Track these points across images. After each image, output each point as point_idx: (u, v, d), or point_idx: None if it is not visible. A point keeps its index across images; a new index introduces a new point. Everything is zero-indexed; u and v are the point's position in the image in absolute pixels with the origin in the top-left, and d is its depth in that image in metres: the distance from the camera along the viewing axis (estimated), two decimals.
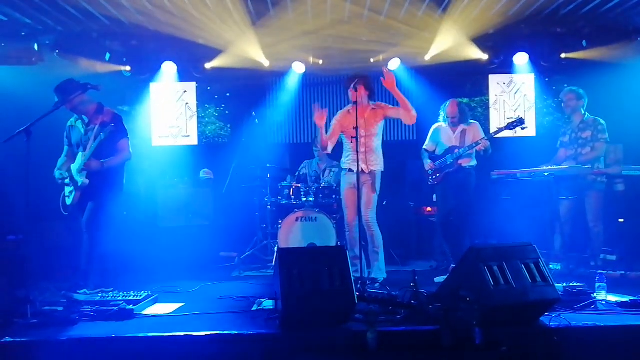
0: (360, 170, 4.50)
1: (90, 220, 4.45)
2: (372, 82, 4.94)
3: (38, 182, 4.11)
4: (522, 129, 5.21)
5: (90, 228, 4.45)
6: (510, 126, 5.14)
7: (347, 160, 4.95)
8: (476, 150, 5.22)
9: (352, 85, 4.61)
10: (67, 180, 4.52)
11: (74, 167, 4.49)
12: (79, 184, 4.42)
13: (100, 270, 4.50)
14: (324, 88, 7.33)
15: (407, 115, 4.76)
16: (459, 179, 5.27)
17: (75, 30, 5.91)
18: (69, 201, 4.53)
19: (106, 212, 4.53)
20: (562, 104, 5.36)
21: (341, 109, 5.14)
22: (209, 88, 7.01)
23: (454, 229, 5.28)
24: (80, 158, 4.44)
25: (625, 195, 5.16)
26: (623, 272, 4.68)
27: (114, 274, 4.63)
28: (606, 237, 5.18)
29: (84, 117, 4.55)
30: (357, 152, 4.40)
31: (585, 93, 5.24)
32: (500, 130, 5.23)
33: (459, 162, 5.25)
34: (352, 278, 3.35)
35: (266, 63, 6.55)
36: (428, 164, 5.48)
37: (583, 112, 5.24)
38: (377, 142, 4.89)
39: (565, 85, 5.62)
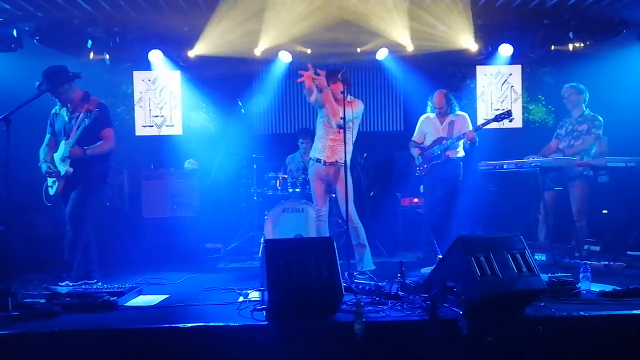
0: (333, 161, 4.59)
1: (74, 210, 4.37)
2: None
3: (19, 172, 4.02)
4: (510, 121, 5.24)
5: (73, 218, 4.37)
6: (498, 118, 5.17)
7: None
8: (463, 142, 5.26)
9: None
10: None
11: (57, 155, 4.40)
12: (62, 173, 4.34)
13: (83, 262, 4.43)
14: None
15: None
16: (446, 170, 5.30)
17: (56, 16, 5.77)
18: (51, 191, 4.45)
19: (90, 203, 4.47)
20: (564, 100, 5.40)
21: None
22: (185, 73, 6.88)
23: (441, 220, 5.30)
24: (63, 146, 4.35)
25: (609, 187, 5.21)
26: (607, 263, 4.73)
27: (97, 265, 4.55)
28: (590, 228, 5.25)
29: (68, 104, 4.46)
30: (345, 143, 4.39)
31: (585, 88, 5.28)
32: (487, 122, 5.27)
33: (447, 153, 5.28)
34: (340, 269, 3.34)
35: (255, 51, 6.48)
36: (416, 150, 5.48)
37: (584, 108, 5.30)
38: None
39: (544, 73, 5.64)
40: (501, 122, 5.26)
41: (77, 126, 4.30)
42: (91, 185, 4.46)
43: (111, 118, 4.57)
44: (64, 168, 4.33)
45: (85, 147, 4.33)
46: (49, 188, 4.47)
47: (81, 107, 4.41)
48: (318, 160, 4.81)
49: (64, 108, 4.49)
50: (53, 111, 4.58)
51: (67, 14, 5.76)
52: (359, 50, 6.61)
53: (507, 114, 5.14)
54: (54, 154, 4.44)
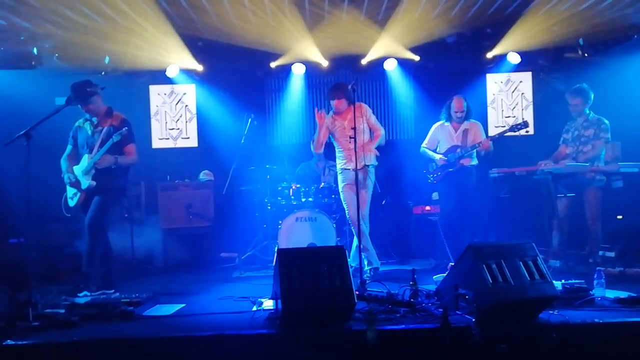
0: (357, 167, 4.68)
1: (93, 220, 4.45)
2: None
3: (39, 184, 4.13)
4: (526, 131, 5.23)
5: (92, 228, 4.44)
6: (514, 128, 5.17)
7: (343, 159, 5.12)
8: (478, 150, 5.26)
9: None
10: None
11: (78, 169, 4.50)
12: (85, 187, 4.43)
13: (102, 272, 4.51)
14: (323, 89, 7.31)
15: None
16: (461, 177, 5.32)
17: (74, 34, 5.93)
18: (71, 203, 4.55)
19: (109, 214, 4.57)
20: (569, 106, 5.31)
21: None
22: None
23: (457, 228, 5.27)
24: (85, 160, 4.45)
25: (624, 192, 5.16)
26: (621, 269, 4.66)
27: (115, 275, 4.64)
28: (604, 234, 5.19)
29: (93, 118, 4.58)
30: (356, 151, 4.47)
31: (590, 90, 5.21)
32: (503, 132, 5.27)
33: (461, 161, 5.29)
34: (352, 276, 3.37)
35: (271, 64, 6.61)
36: (440, 158, 5.43)
37: (587, 112, 5.24)
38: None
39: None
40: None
41: (102, 140, 4.41)
42: (111, 197, 4.55)
43: (133, 133, 4.67)
44: (87, 181, 4.43)
45: (116, 156, 4.44)
46: (69, 199, 4.56)
47: (105, 121, 4.54)
48: (347, 169, 5.01)
49: (88, 122, 4.61)
50: (76, 124, 4.69)
51: (85, 32, 5.91)
52: (363, 62, 6.65)
53: (524, 124, 5.13)
54: (74, 167, 4.54)
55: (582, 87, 5.24)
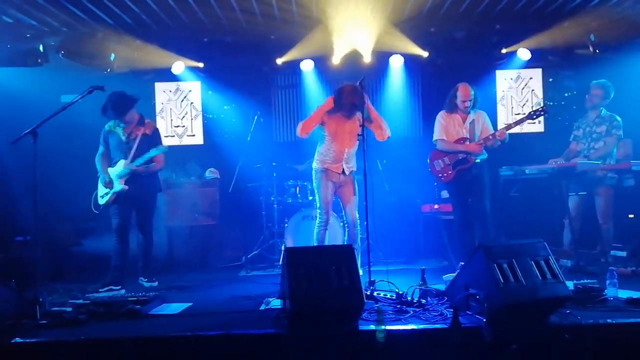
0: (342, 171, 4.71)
1: (147, 223, 4.90)
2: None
3: (45, 183, 4.12)
4: (545, 117, 5.02)
5: (146, 231, 4.89)
6: (532, 116, 4.89)
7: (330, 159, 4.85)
8: (493, 142, 4.92)
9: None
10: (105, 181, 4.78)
11: (113, 171, 4.72)
12: (118, 189, 4.67)
13: (110, 269, 4.64)
14: (331, 85, 7.25)
15: (380, 133, 4.72)
16: (474, 174, 4.98)
17: (80, 31, 5.93)
18: (102, 201, 4.77)
19: (154, 213, 5.04)
20: (587, 95, 5.19)
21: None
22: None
23: (473, 228, 5.01)
24: (121, 165, 4.68)
25: (636, 191, 5.10)
26: (634, 268, 4.62)
27: (122, 273, 4.68)
28: (616, 233, 5.13)
29: (122, 124, 4.79)
30: (365, 151, 4.37)
31: (613, 90, 5.11)
32: (521, 120, 4.98)
33: (473, 157, 4.95)
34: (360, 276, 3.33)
35: (277, 60, 6.60)
36: (460, 146, 4.99)
37: (601, 108, 5.17)
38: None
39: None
40: (521, 127, 5.12)
41: (138, 149, 4.67)
42: (154, 196, 5.00)
43: (161, 140, 4.98)
44: (119, 185, 4.66)
45: (146, 166, 4.73)
46: (100, 197, 4.79)
47: (138, 129, 4.76)
48: (332, 171, 4.79)
49: (119, 127, 4.78)
50: (107, 128, 4.87)
51: (91, 29, 5.90)
52: (371, 58, 6.58)
53: (543, 110, 4.87)
54: (110, 169, 4.76)
55: (609, 83, 5.16)
